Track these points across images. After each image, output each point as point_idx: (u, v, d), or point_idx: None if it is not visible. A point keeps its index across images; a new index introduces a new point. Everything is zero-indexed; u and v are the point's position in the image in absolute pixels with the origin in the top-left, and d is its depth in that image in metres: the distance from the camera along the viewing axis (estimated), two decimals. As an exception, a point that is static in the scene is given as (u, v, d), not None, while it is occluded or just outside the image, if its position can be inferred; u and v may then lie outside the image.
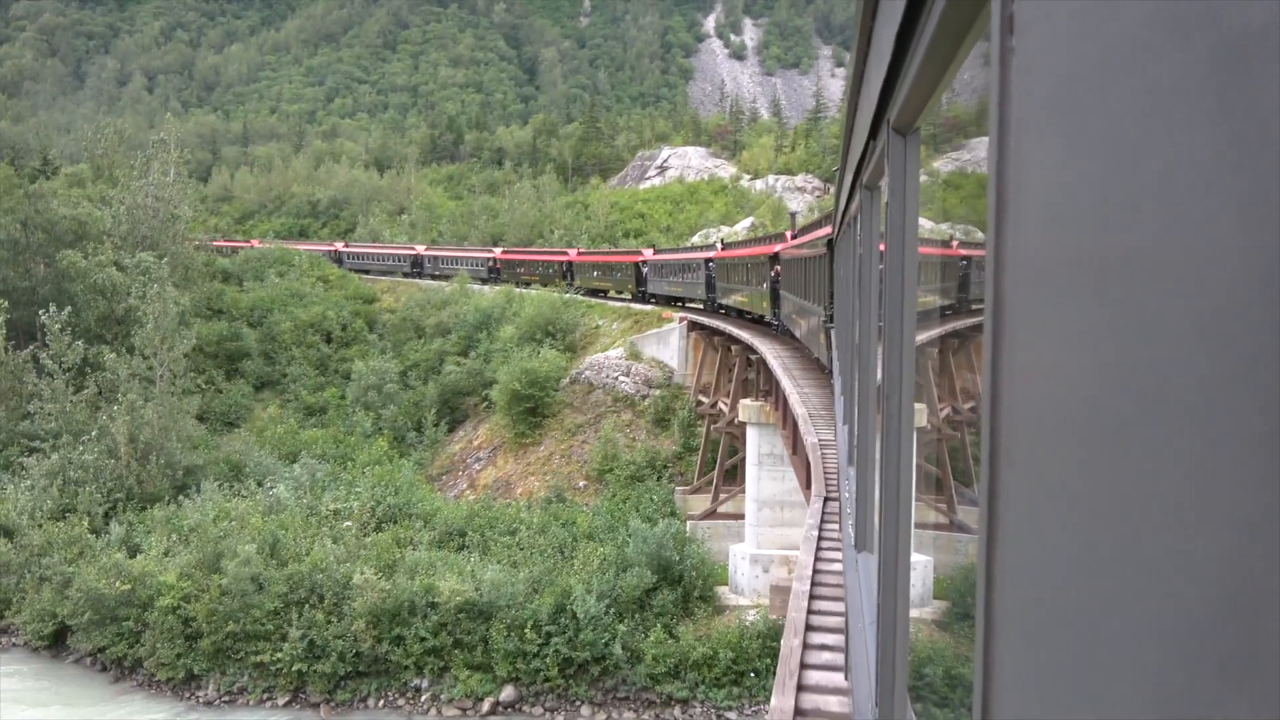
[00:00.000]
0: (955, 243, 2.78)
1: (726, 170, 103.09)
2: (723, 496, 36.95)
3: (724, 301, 40.40)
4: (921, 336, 3.01)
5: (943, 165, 3.06)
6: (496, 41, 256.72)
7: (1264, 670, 0.43)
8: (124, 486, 40.37)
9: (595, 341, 51.32)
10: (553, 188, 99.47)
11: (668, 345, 45.35)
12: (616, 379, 45.29)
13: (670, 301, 49.58)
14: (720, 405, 38.54)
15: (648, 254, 54.31)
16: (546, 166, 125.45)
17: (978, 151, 1.91)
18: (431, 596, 30.81)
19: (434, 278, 79.05)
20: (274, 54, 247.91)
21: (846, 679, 6.60)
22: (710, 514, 37.15)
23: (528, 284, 67.98)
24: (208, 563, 32.83)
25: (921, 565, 4.04)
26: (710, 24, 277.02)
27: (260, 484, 41.12)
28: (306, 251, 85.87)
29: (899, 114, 2.72)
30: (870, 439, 4.34)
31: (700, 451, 39.38)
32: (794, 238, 28.18)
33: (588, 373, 46.65)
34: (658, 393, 43.83)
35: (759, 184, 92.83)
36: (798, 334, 26.66)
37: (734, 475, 36.48)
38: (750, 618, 29.37)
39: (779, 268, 29.94)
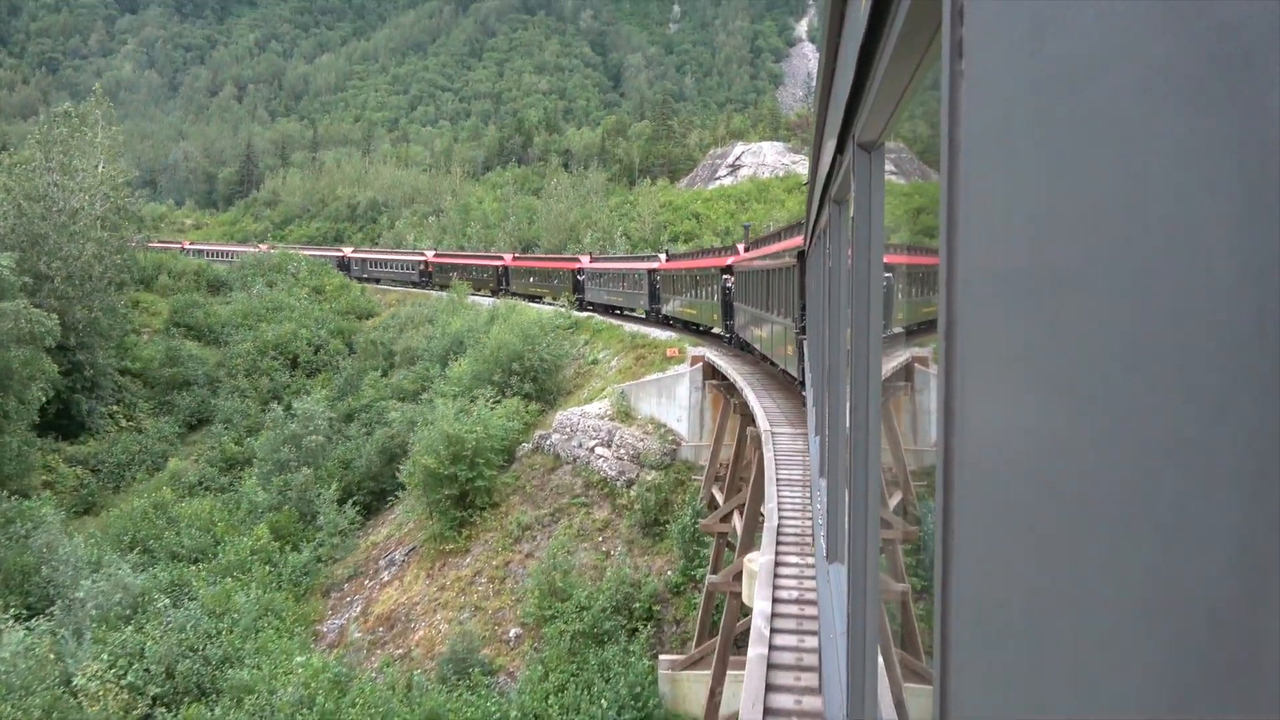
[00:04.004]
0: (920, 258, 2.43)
1: (805, 166, 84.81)
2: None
3: (668, 312, 38.00)
4: (890, 351, 2.76)
5: (904, 182, 2.64)
6: (582, 48, 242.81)
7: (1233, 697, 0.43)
8: None
9: (587, 384, 34.26)
10: (600, 187, 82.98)
11: (673, 400, 27.94)
12: (592, 451, 28.06)
13: (609, 310, 44.96)
14: (737, 520, 20.99)
15: (585, 261, 50.71)
16: (614, 167, 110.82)
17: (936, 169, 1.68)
18: None
19: (442, 287, 64.73)
20: (362, 63, 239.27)
21: (820, 690, 6.24)
22: (714, 709, 19.69)
23: (536, 297, 51.80)
24: None
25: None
26: (803, 28, 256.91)
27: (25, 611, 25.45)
28: (309, 257, 71.38)
29: (864, 129, 2.76)
30: (841, 450, 4.22)
31: (707, 594, 21.84)
32: (747, 250, 26.78)
33: (555, 437, 29.55)
34: (652, 477, 26.49)
35: (842, 179, 74.28)
36: (756, 346, 24.58)
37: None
38: None
39: (731, 280, 28.06)
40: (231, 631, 24.87)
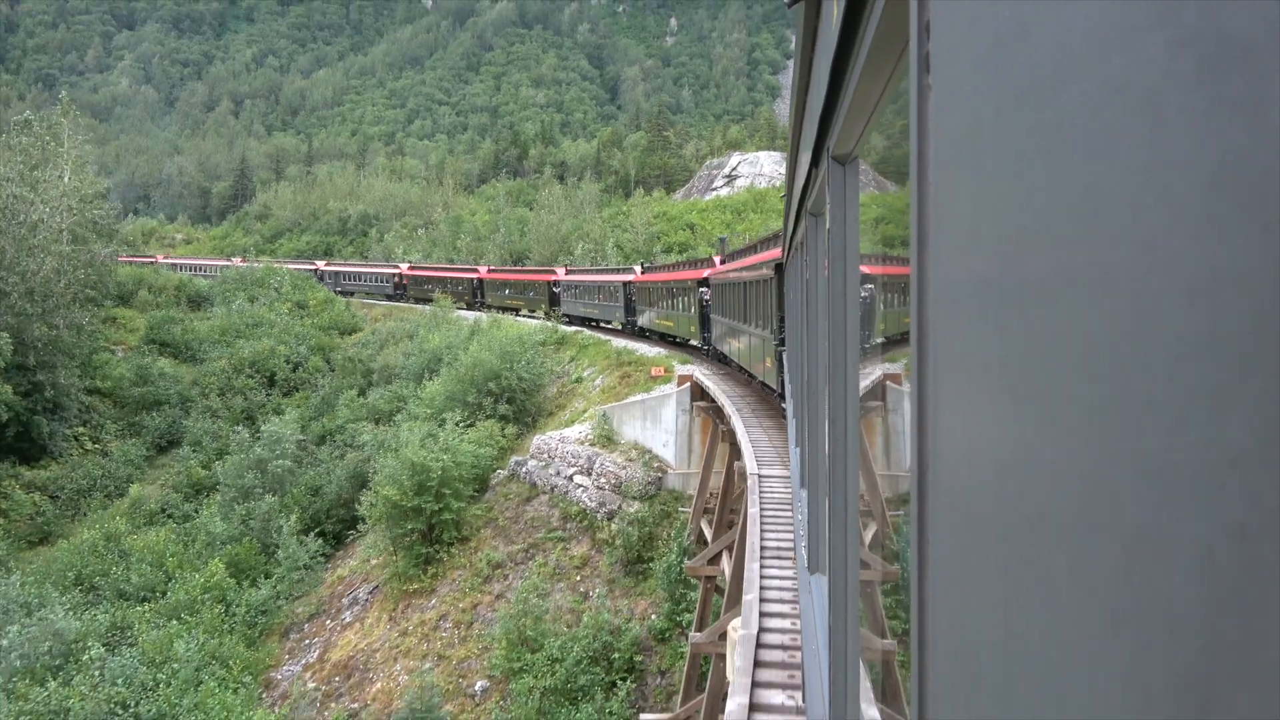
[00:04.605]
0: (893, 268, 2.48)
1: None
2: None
3: (644, 324, 37.58)
4: (868, 361, 2.84)
5: (876, 194, 2.70)
6: (579, 61, 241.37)
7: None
8: None
9: (570, 404, 31.76)
10: (593, 198, 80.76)
11: (658, 423, 25.42)
12: (570, 480, 25.54)
13: (586, 322, 44.08)
14: (726, 562, 18.42)
15: (561, 273, 49.88)
16: (609, 179, 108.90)
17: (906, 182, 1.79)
18: None
19: (417, 300, 63.13)
20: (359, 78, 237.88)
21: (803, 699, 6.17)
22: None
23: (512, 309, 49.83)
24: None
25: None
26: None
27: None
28: (292, 271, 69.01)
29: (837, 143, 2.78)
30: (821, 461, 4.17)
31: (698, 623, 19.22)
32: (724, 262, 26.64)
33: (531, 464, 27.03)
34: (636, 509, 23.96)
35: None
36: (733, 358, 24.09)
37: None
38: None
39: (708, 292, 27.47)
40: (169, 685, 22.29)
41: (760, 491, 11.11)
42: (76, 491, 40.47)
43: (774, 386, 17.59)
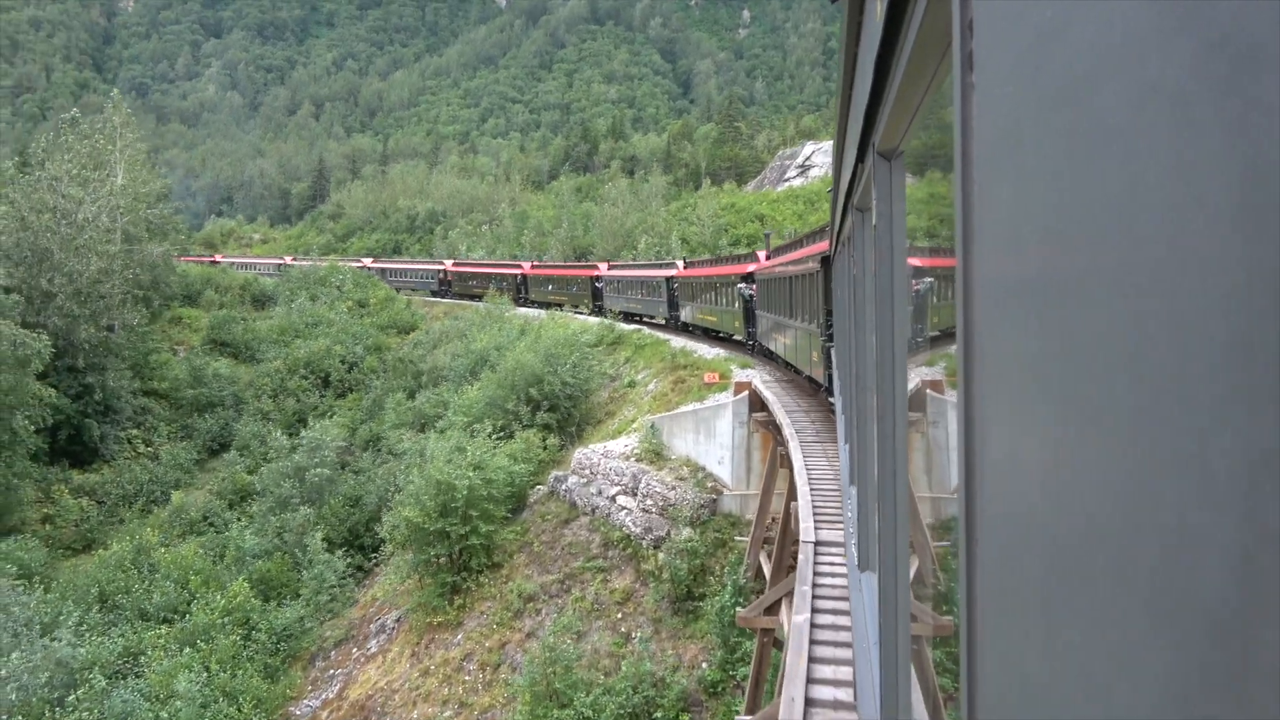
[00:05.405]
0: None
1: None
2: None
3: (687, 319, 36.90)
4: (916, 356, 2.75)
5: (922, 190, 2.68)
6: (651, 56, 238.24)
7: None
8: None
9: (620, 411, 28.71)
10: (660, 191, 77.65)
11: (713, 437, 22.14)
12: (613, 500, 22.48)
13: (630, 318, 42.76)
14: (786, 611, 15.06)
15: (603, 269, 48.96)
16: (679, 172, 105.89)
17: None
18: None
19: (460, 296, 62.19)
20: (434, 78, 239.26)
21: (854, 700, 5.96)
22: None
23: (558, 305, 47.61)
24: None
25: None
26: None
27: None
28: (354, 269, 67.65)
29: (883, 138, 2.76)
30: (870, 458, 4.18)
31: (751, 689, 15.97)
32: (769, 257, 25.70)
33: (572, 481, 24.06)
34: (686, 536, 20.75)
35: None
36: (779, 353, 23.26)
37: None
38: None
39: (754, 286, 27.12)
40: (171, 726, 20.03)
41: (816, 567, 7.77)
42: (122, 497, 39.15)
43: (820, 381, 17.15)
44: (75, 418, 40.95)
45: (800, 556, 8.64)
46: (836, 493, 11.07)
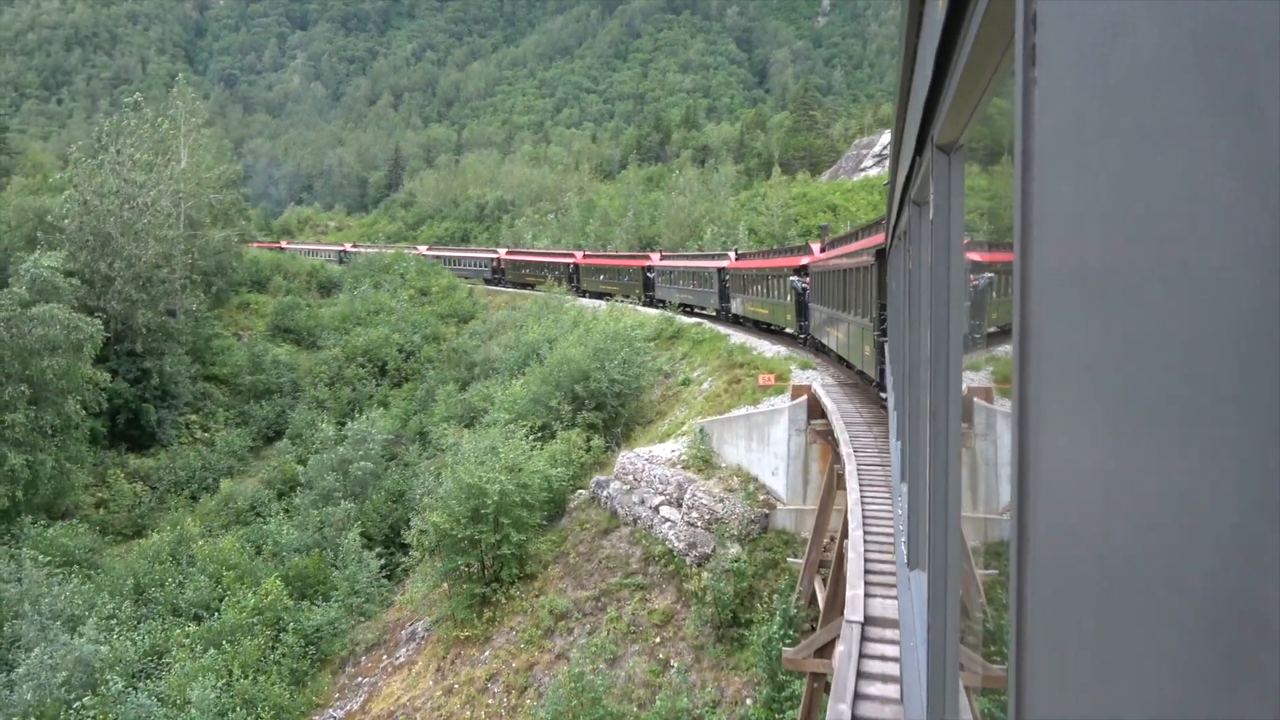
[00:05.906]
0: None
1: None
2: None
3: (737, 311, 36.33)
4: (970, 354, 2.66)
5: (982, 184, 2.65)
6: (728, 45, 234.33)
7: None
8: None
9: (671, 411, 26.74)
10: (729, 180, 75.23)
11: (766, 445, 20.01)
12: (656, 511, 20.55)
13: (681, 309, 41.82)
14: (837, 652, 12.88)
15: (655, 259, 48.56)
16: (751, 161, 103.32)
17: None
18: None
19: (514, 285, 61.87)
20: (511, 69, 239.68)
21: (901, 699, 5.65)
22: None
23: (606, 295, 46.26)
24: None
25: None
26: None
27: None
28: (417, 256, 67.03)
29: (942, 131, 2.71)
30: (922, 455, 4.05)
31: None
32: (824, 250, 25.69)
33: (614, 487, 22.22)
34: (734, 553, 18.72)
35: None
36: (832, 347, 22.78)
37: None
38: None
39: (806, 280, 26.34)
40: (184, 734, 18.89)
41: (861, 664, 5.66)
42: (174, 483, 38.84)
43: (872, 376, 16.80)
44: (134, 402, 40.84)
45: (841, 646, 6.56)
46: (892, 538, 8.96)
